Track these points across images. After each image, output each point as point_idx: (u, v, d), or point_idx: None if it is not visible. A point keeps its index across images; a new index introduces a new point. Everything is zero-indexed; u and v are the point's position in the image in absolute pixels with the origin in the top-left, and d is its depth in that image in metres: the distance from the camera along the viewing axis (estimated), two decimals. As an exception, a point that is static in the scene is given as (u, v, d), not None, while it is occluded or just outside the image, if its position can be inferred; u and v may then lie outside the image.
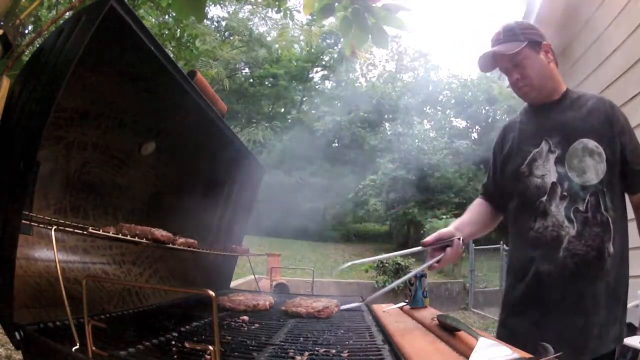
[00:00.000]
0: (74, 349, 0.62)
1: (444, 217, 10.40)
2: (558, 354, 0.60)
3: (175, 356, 0.69)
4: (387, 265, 7.45)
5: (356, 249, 12.73)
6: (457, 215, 3.05)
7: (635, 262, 1.18)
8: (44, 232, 0.93)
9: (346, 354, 0.74)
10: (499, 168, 1.29)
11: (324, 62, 19.47)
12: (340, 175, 13.93)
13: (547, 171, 1.14)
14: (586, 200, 1.10)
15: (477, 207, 1.36)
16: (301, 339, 0.88)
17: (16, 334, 0.69)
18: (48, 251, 0.94)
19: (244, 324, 1.03)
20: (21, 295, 0.82)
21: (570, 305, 1.08)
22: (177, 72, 1.05)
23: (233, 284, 2.44)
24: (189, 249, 1.16)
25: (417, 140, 13.66)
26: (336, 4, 2.09)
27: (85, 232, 0.83)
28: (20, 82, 0.88)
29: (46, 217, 0.90)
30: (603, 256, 1.08)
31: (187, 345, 0.57)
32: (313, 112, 17.73)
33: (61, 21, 1.02)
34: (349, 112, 16.01)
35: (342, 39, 2.31)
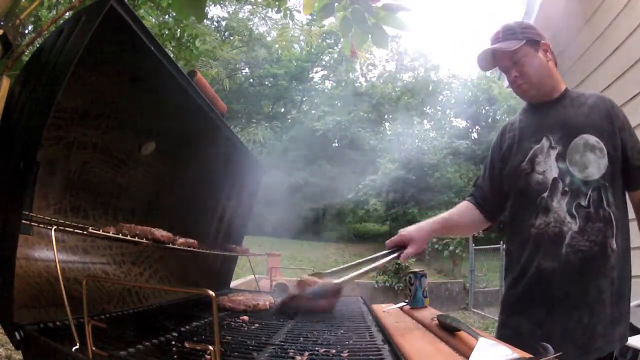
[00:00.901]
0: (74, 349, 0.62)
1: (444, 217, 10.38)
2: (558, 354, 0.60)
3: (175, 356, 0.69)
4: (386, 265, 7.47)
5: (356, 249, 12.72)
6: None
7: (637, 262, 1.18)
8: (44, 232, 0.93)
9: (346, 354, 0.74)
10: (496, 167, 1.28)
11: (324, 62, 19.49)
12: (340, 175, 13.93)
13: (548, 167, 1.14)
14: (588, 195, 1.09)
15: (462, 209, 1.33)
16: (301, 339, 0.88)
17: (16, 334, 0.69)
18: (48, 251, 0.94)
19: (244, 324, 1.03)
20: (21, 295, 0.82)
21: (575, 303, 1.07)
22: (177, 72, 1.05)
23: (233, 284, 2.44)
24: (189, 249, 1.16)
25: (417, 140, 13.67)
26: (336, 4, 2.09)
27: (85, 232, 0.83)
28: (20, 82, 0.88)
29: (46, 217, 0.90)
30: (606, 252, 1.08)
31: (187, 345, 0.57)
32: (313, 112, 17.72)
33: (61, 21, 1.02)
34: (349, 112, 16.02)
35: (342, 39, 2.31)
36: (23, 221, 0.71)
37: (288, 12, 3.83)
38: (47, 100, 0.74)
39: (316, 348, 0.78)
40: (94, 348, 0.59)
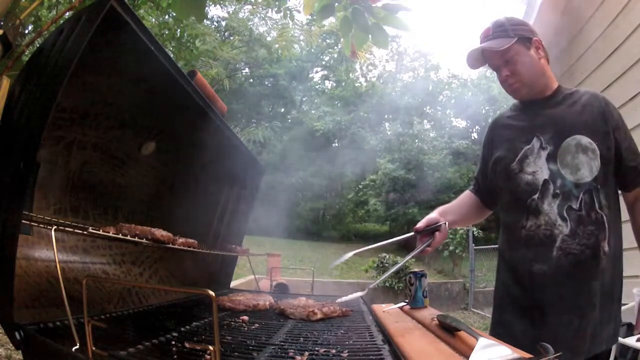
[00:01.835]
0: (74, 349, 0.62)
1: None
2: (558, 354, 0.60)
3: (175, 356, 0.69)
4: (387, 265, 7.46)
5: (356, 248, 12.66)
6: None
7: (631, 262, 1.17)
8: (44, 232, 0.93)
9: (346, 354, 0.74)
10: (489, 164, 1.27)
11: (324, 62, 19.47)
12: (340, 175, 13.93)
13: (538, 168, 1.12)
14: (580, 198, 1.08)
15: (464, 199, 1.36)
16: (301, 339, 0.88)
17: (16, 334, 0.69)
18: (48, 251, 0.94)
19: (244, 324, 1.03)
20: (21, 295, 0.82)
21: (565, 306, 1.06)
22: (177, 72, 1.05)
23: (233, 284, 2.44)
24: (189, 249, 1.16)
25: (417, 140, 13.66)
26: (336, 4, 2.09)
27: (85, 232, 0.83)
28: (20, 82, 0.88)
29: (46, 217, 0.90)
30: (598, 255, 1.06)
31: (187, 345, 0.57)
32: (313, 112, 17.71)
33: (61, 21, 1.02)
34: (349, 112, 16.01)
35: (342, 39, 2.30)
36: (23, 221, 0.72)
37: (288, 12, 3.84)
38: (47, 100, 0.74)
39: (316, 348, 0.78)
40: (94, 348, 0.59)
